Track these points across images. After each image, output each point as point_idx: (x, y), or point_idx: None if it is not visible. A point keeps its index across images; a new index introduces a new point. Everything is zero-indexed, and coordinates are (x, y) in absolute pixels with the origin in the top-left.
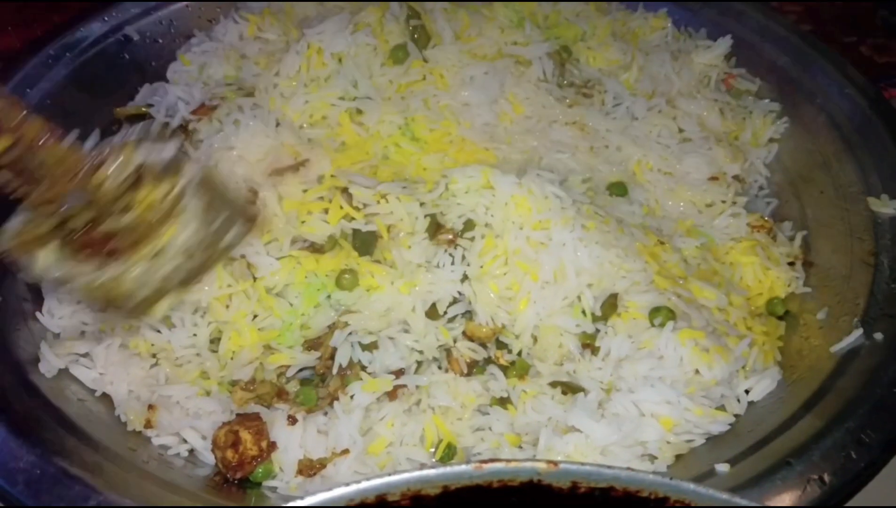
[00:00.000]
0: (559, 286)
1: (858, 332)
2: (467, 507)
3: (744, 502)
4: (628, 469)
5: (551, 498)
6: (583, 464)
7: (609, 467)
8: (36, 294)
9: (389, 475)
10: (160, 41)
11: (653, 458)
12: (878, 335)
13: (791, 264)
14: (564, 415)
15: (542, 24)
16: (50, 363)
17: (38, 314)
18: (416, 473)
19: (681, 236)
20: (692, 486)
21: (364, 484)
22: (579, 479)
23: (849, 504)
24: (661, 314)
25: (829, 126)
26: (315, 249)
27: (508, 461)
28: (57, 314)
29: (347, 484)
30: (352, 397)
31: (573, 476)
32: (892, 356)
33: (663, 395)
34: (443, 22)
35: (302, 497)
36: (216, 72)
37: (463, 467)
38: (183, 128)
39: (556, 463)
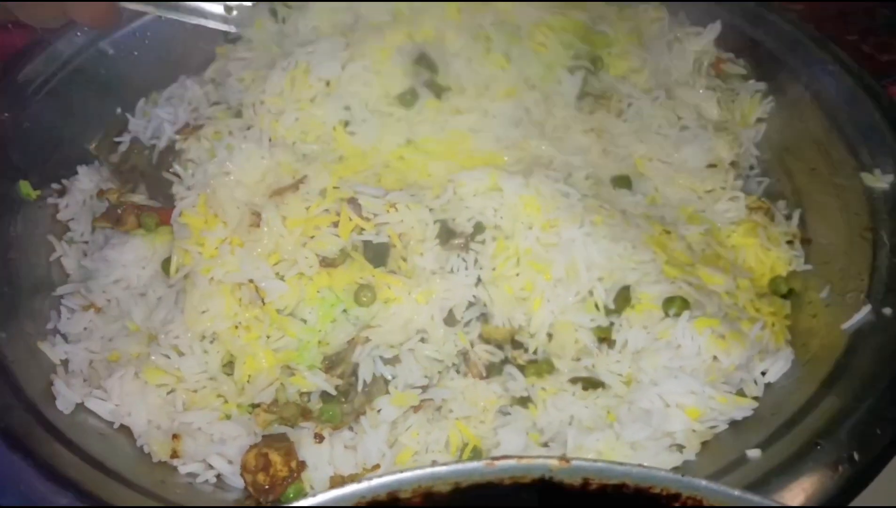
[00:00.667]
0: (571, 283)
1: (867, 308)
2: (479, 504)
3: (755, 498)
4: (639, 465)
5: (563, 495)
6: (595, 461)
7: (620, 463)
8: (40, 325)
9: (401, 472)
10: (136, 53)
11: (680, 448)
12: (887, 310)
13: (790, 242)
14: (586, 412)
15: (571, 37)
16: (66, 398)
17: (40, 345)
18: (428, 470)
19: (683, 224)
20: (703, 482)
21: (375, 482)
22: (591, 476)
23: (849, 505)
24: (675, 305)
25: (816, 104)
26: (327, 263)
27: (520, 457)
28: (62, 345)
29: (359, 482)
30: (379, 411)
31: (584, 472)
32: None
33: (687, 385)
34: (466, 74)
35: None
36: (195, 93)
37: (474, 464)
38: (170, 149)
39: (567, 460)
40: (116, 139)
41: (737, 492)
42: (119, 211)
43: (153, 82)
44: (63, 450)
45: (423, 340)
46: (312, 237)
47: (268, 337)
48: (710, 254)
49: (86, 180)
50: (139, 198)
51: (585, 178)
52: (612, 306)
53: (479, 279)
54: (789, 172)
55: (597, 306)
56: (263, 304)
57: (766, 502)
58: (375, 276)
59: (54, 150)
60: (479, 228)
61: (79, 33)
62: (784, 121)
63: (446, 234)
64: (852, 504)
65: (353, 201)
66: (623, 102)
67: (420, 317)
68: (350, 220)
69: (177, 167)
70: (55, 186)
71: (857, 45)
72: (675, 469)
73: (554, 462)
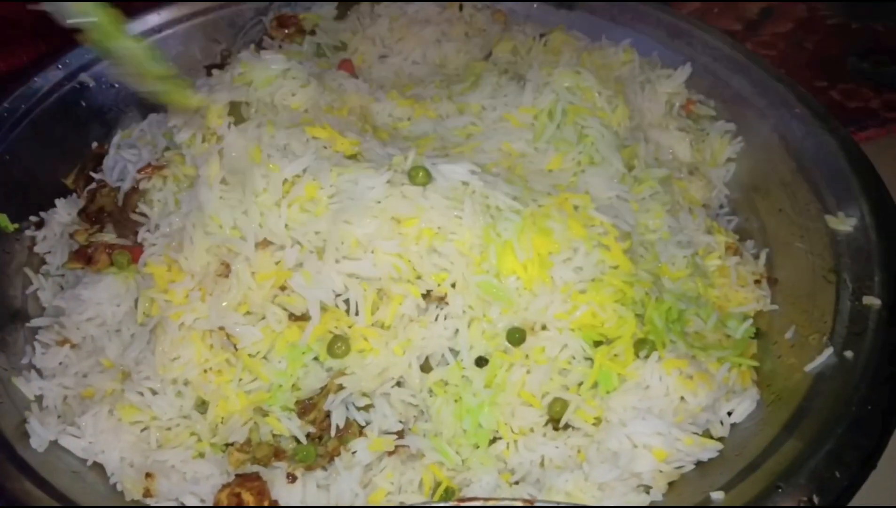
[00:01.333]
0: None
1: (829, 351)
2: None
3: None
4: None
5: None
6: (558, 503)
7: (581, 507)
8: (14, 360)
9: None
10: (116, 86)
11: (647, 488)
12: (849, 353)
13: (757, 282)
14: (556, 451)
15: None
16: (40, 436)
17: (14, 380)
18: None
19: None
20: None
21: None
22: None
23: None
24: (646, 346)
25: (783, 145)
26: (296, 318)
27: (486, 499)
28: (36, 381)
29: None
30: (354, 453)
31: None
32: (863, 374)
33: (654, 427)
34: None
35: None
36: (156, 133)
37: (443, 504)
38: (135, 189)
39: (531, 502)
40: (92, 174)
41: None
42: (90, 251)
43: (131, 116)
44: (34, 489)
45: (399, 384)
46: (283, 289)
47: (240, 380)
48: (689, 288)
49: (63, 213)
50: (109, 237)
51: None
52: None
53: (456, 331)
54: (757, 212)
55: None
56: (235, 349)
57: None
58: (352, 328)
59: (32, 183)
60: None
61: (59, 66)
62: (752, 161)
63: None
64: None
65: None
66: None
67: (396, 366)
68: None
69: (143, 207)
70: (33, 218)
71: (826, 92)
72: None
73: (518, 505)
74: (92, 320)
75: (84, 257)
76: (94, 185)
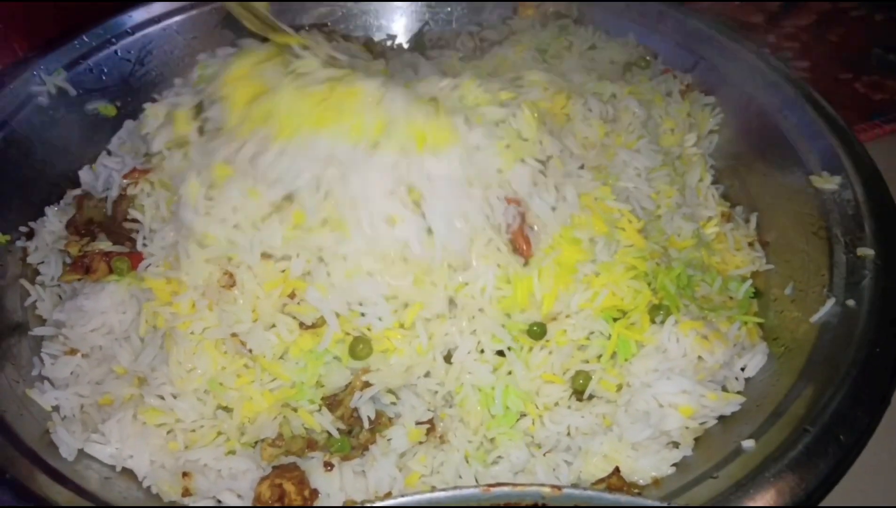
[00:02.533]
0: None
1: (832, 301)
2: None
3: None
4: (630, 494)
5: None
6: (585, 489)
7: (610, 492)
8: (24, 372)
9: (402, 496)
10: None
11: (676, 444)
12: (851, 302)
13: (750, 244)
14: (582, 421)
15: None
16: (69, 445)
17: (29, 392)
18: (426, 495)
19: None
20: None
21: (378, 504)
22: (581, 503)
23: (847, 504)
24: (661, 312)
25: (761, 113)
26: (307, 327)
27: (514, 485)
28: (51, 391)
29: (358, 505)
30: (389, 440)
31: (575, 500)
32: (868, 319)
33: (679, 385)
34: None
35: None
36: (136, 141)
37: (471, 490)
38: (123, 196)
39: (559, 488)
40: (72, 192)
41: None
42: (86, 261)
43: (117, 122)
44: (76, 497)
45: (425, 376)
46: (292, 297)
47: (261, 381)
48: (694, 257)
49: (55, 221)
50: (104, 245)
51: None
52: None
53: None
54: (742, 180)
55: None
56: (251, 352)
57: None
58: (370, 329)
59: (19, 191)
60: None
61: (40, 72)
62: (733, 132)
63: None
64: (849, 503)
65: None
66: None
67: (421, 364)
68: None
69: (133, 212)
70: (23, 228)
71: (850, 84)
72: (676, 465)
73: (547, 490)
74: (97, 330)
75: (81, 267)
76: (78, 190)
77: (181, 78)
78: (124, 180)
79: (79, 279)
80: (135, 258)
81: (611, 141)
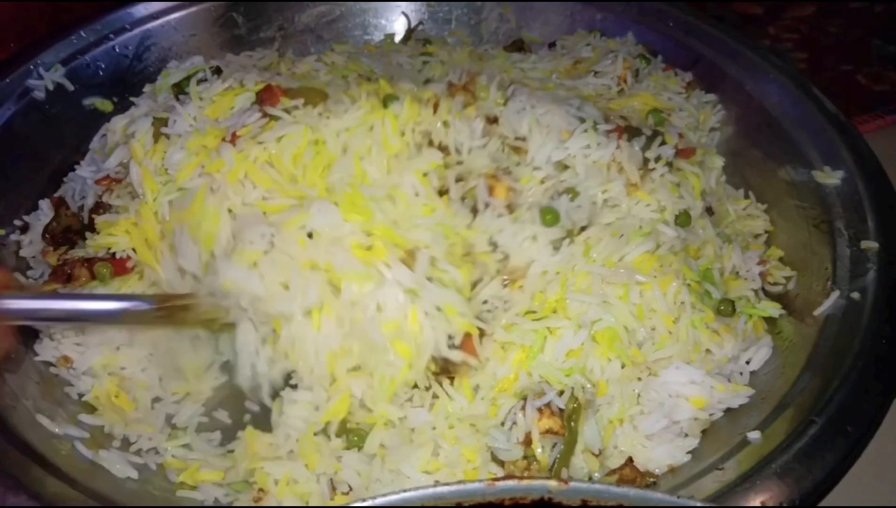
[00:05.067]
0: None
1: (836, 294)
2: None
3: None
4: (643, 485)
5: None
6: (593, 482)
7: (619, 483)
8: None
9: (405, 490)
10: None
11: (684, 436)
12: (855, 295)
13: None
14: None
15: None
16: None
17: (38, 418)
18: (431, 490)
19: None
20: (699, 504)
21: (379, 500)
22: (589, 497)
23: (847, 505)
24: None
25: (762, 111)
26: None
27: (520, 478)
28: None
29: (363, 500)
30: None
31: (583, 494)
32: (873, 311)
33: (688, 375)
34: None
35: None
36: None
37: (476, 484)
38: (99, 204)
39: (566, 482)
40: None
41: None
42: (67, 269)
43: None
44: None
45: None
46: None
47: None
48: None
49: (50, 213)
50: (83, 252)
51: None
52: None
53: None
54: (744, 176)
55: None
56: None
57: None
58: None
59: (15, 187)
60: None
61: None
62: (734, 128)
63: None
64: (847, 503)
65: None
66: None
67: None
68: None
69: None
70: (17, 222)
71: (851, 76)
72: (689, 453)
73: (553, 484)
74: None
75: (62, 276)
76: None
77: (151, 85)
78: (97, 186)
79: (63, 286)
80: (117, 265)
81: None
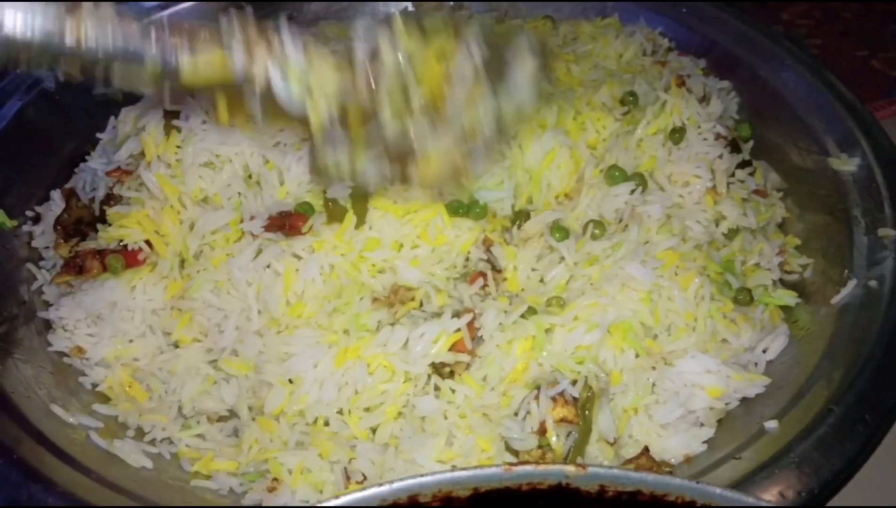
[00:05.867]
0: None
1: (853, 282)
2: None
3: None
4: (656, 473)
5: (580, 501)
6: (611, 467)
7: (636, 471)
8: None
9: (422, 475)
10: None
11: (700, 425)
12: (873, 283)
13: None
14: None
15: None
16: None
17: (52, 407)
18: (448, 474)
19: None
20: (718, 490)
21: (396, 485)
22: (607, 483)
23: (845, 505)
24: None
25: (777, 97)
26: None
27: (537, 463)
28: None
29: (380, 485)
30: None
31: (601, 479)
32: (891, 300)
33: (703, 364)
34: None
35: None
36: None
37: (493, 469)
38: (111, 196)
39: (584, 467)
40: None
41: (751, 499)
42: (79, 261)
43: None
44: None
45: None
46: None
47: None
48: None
49: (61, 204)
50: (95, 243)
51: None
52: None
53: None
54: (759, 163)
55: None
56: None
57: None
58: None
59: (26, 177)
60: None
61: None
62: (749, 115)
63: None
64: (847, 503)
65: None
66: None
67: None
68: None
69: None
70: (29, 213)
71: (866, 61)
72: (705, 443)
73: (570, 469)
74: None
75: (74, 268)
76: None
77: None
78: (108, 178)
79: (74, 278)
80: (129, 257)
81: None
